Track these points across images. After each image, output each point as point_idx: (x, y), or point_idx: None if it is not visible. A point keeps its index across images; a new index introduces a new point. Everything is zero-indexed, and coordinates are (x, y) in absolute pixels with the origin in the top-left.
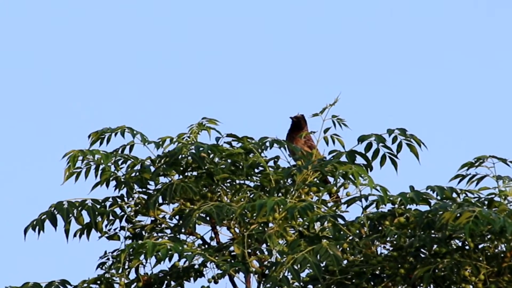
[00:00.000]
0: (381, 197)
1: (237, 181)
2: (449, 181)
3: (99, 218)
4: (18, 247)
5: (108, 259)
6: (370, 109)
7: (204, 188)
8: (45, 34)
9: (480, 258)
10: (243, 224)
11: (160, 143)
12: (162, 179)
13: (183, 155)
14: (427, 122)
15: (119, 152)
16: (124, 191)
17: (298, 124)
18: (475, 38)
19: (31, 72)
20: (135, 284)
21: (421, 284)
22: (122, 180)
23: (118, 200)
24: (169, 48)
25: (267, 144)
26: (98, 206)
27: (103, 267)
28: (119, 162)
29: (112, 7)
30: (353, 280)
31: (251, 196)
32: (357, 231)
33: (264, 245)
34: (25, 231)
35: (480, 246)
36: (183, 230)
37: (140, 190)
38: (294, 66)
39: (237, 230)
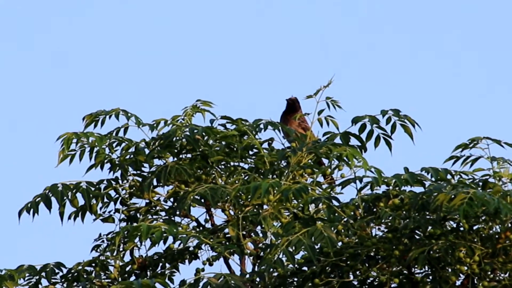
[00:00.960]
0: (376, 178)
1: (232, 163)
2: (443, 163)
3: (94, 201)
4: (12, 229)
5: (102, 241)
6: (364, 91)
7: (199, 170)
8: (41, 20)
9: (475, 240)
10: (238, 206)
11: (155, 125)
12: (157, 162)
13: (178, 137)
14: (421, 103)
15: (114, 134)
16: (118, 174)
17: (292, 106)
18: (468, 20)
19: (25, 55)
20: (130, 266)
21: (416, 266)
22: (117, 162)
23: (113, 182)
24: (163, 31)
25: (261, 126)
26: (93, 189)
27: (98, 250)
28: (114, 145)
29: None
30: (348, 262)
31: (245, 178)
32: (352, 213)
33: (259, 227)
34: (20, 213)
35: (474, 228)
36: (177, 213)
37: (135, 172)
38: (288, 48)
39: (232, 212)
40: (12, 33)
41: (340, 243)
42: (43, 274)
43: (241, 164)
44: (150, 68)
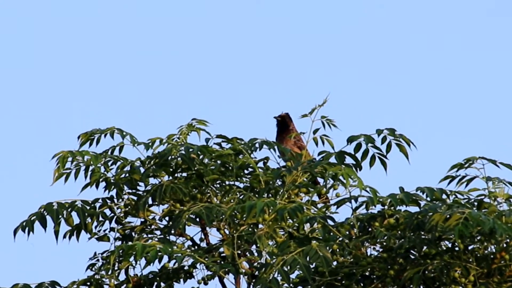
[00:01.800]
0: (371, 198)
1: (227, 182)
2: (438, 182)
3: (89, 219)
4: (7, 248)
5: (97, 260)
6: (359, 110)
7: (194, 189)
8: (33, 37)
9: (470, 260)
10: (233, 225)
11: (150, 144)
12: (152, 180)
13: (173, 156)
14: (416, 123)
15: (109, 153)
16: (114, 192)
17: (283, 123)
18: (462, 37)
19: (19, 74)
20: (125, 285)
21: (411, 286)
22: (112, 181)
23: (108, 201)
24: (158, 50)
25: (257, 145)
26: (88, 207)
27: (93, 269)
28: (109, 163)
29: (100, 10)
30: (343, 282)
31: (240, 197)
32: (347, 232)
33: (254, 246)
34: (15, 232)
35: (470, 248)
36: (172, 232)
37: (130, 191)
38: (284, 67)
39: (227, 231)
40: (9, 54)
41: (335, 263)
42: None
43: (236, 183)
44: (146, 87)
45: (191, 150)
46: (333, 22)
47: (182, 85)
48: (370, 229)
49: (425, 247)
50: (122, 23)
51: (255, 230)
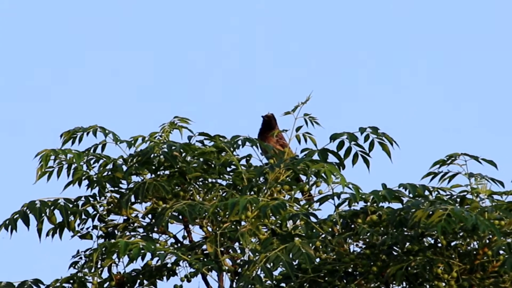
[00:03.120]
0: (354, 195)
1: (210, 180)
2: (421, 179)
3: (72, 217)
4: None
5: (80, 258)
6: (342, 108)
7: (177, 187)
8: (22, 32)
9: (453, 256)
10: (216, 222)
11: (132, 142)
12: (135, 178)
13: (155, 154)
14: (398, 120)
15: (91, 151)
16: (96, 190)
17: (269, 123)
18: (444, 31)
19: (3, 69)
20: (108, 283)
21: (394, 282)
22: (95, 179)
23: (91, 199)
24: (141, 47)
25: (239, 142)
26: (71, 205)
27: (76, 266)
28: (91, 161)
29: (87, 6)
30: (326, 278)
31: (223, 194)
32: (330, 229)
33: (237, 244)
34: None
35: (452, 244)
36: (155, 229)
37: (113, 189)
38: (266, 64)
39: (210, 229)
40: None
41: (318, 259)
42: None
43: (219, 181)
44: (127, 85)
45: (173, 148)
46: (316, 18)
47: (164, 83)
48: (353, 226)
49: (408, 244)
50: (108, 19)
51: (238, 227)
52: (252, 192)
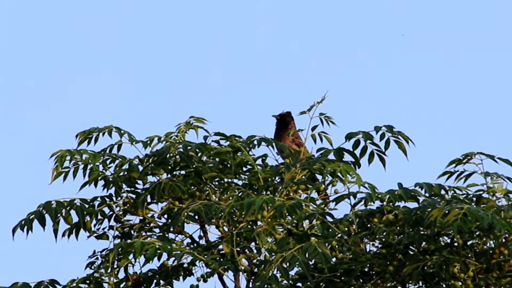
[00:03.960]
0: (370, 194)
1: (226, 180)
2: (437, 178)
3: (88, 218)
4: (6, 247)
5: (97, 258)
6: (358, 107)
7: (193, 187)
8: (30, 33)
9: (469, 255)
10: (232, 222)
11: (148, 142)
12: (151, 178)
13: (171, 154)
14: (415, 119)
15: (107, 151)
16: (112, 191)
17: (283, 121)
18: (462, 32)
19: (15, 69)
20: (124, 283)
21: (410, 281)
22: (111, 179)
23: (107, 199)
24: (156, 48)
25: (255, 142)
26: (87, 206)
27: (92, 267)
28: (107, 162)
29: (98, 6)
30: (342, 278)
31: (239, 194)
32: (346, 229)
33: (253, 244)
34: (14, 231)
35: (468, 243)
36: (171, 229)
37: (129, 189)
38: (282, 64)
39: (226, 229)
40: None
41: (334, 259)
42: None
43: (235, 181)
44: (143, 85)
45: (189, 148)
46: (331, 17)
47: (180, 83)
48: (369, 225)
49: (424, 243)
50: (118, 20)
51: (254, 227)
52: (268, 192)
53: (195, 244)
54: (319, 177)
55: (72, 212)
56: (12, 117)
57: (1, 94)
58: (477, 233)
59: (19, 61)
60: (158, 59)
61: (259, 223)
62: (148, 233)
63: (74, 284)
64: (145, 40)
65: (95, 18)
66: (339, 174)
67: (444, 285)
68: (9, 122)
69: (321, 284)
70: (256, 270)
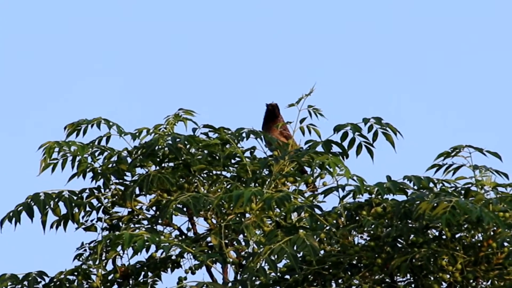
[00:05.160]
0: (358, 187)
1: (214, 172)
2: (425, 171)
3: (76, 210)
4: None
5: (85, 250)
6: (346, 99)
7: (181, 179)
8: (25, 24)
9: (457, 248)
10: (220, 214)
11: (137, 134)
12: (139, 170)
13: (160, 146)
14: (403, 111)
15: (96, 143)
16: (101, 183)
17: (272, 112)
18: (451, 22)
19: (6, 63)
20: (112, 275)
21: (398, 274)
22: (99, 171)
23: (95, 191)
24: (145, 40)
25: (244, 134)
26: (75, 198)
27: (80, 259)
28: (96, 154)
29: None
30: (331, 270)
31: (228, 186)
32: (334, 221)
33: (241, 236)
34: (2, 222)
35: (457, 236)
36: (160, 221)
37: (117, 181)
38: (270, 56)
39: (214, 221)
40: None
41: (322, 252)
42: (25, 283)
43: (224, 173)
44: (131, 77)
45: (178, 140)
46: (319, 11)
47: (169, 75)
48: (357, 218)
49: (412, 236)
50: (110, 13)
51: (243, 219)
52: (256, 184)
53: (183, 236)
54: (308, 169)
55: (61, 204)
56: (13, 117)
57: (2, 94)
58: (465, 226)
59: (19, 61)
60: (146, 51)
61: (247, 215)
62: (137, 225)
63: (62, 276)
64: (134, 30)
65: (84, 7)
66: (327, 166)
67: (432, 278)
68: (10, 121)
69: (309, 276)
70: (244, 262)
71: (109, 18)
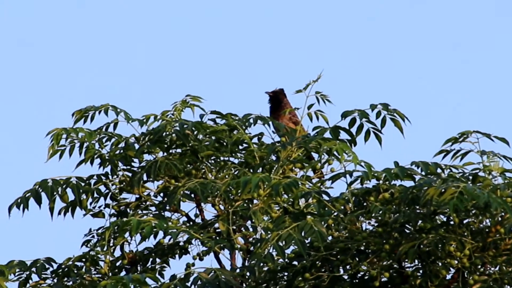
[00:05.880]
0: (366, 173)
1: (222, 158)
2: (433, 157)
3: (84, 196)
4: (2, 225)
5: (93, 236)
6: (354, 85)
7: (189, 165)
8: (34, 11)
9: (465, 234)
10: (228, 201)
11: (144, 120)
12: (147, 157)
13: (167, 133)
14: (410, 97)
15: (103, 130)
16: (108, 169)
17: (276, 99)
18: (457, 11)
19: (14, 52)
20: (120, 261)
21: (406, 260)
22: (107, 157)
23: (103, 177)
24: (152, 27)
25: (251, 120)
26: (83, 184)
27: (88, 245)
28: (103, 140)
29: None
30: (338, 256)
31: (235, 173)
32: (342, 207)
33: (249, 222)
34: (10, 209)
35: (464, 221)
36: (167, 208)
37: (125, 167)
38: (279, 42)
39: (222, 207)
40: (10, 30)
41: (330, 238)
42: (34, 269)
43: (231, 159)
44: (139, 63)
45: (185, 126)
46: None
47: (176, 61)
48: (365, 204)
49: (420, 222)
50: (119, 3)
51: (250, 205)
52: (264, 170)
53: (191, 223)
54: (315, 155)
55: (68, 190)
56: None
57: (4, 89)
58: (473, 212)
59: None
60: (153, 37)
61: (255, 201)
62: (144, 211)
63: (70, 262)
64: (139, 16)
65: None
66: (335, 152)
67: (440, 264)
68: (7, 99)
69: (317, 262)
70: (252, 248)
71: (119, 2)
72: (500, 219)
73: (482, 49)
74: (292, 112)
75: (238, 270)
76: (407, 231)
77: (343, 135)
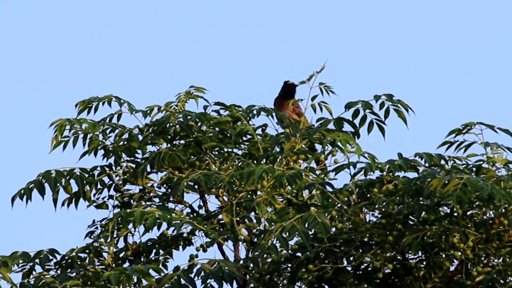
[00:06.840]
0: (369, 164)
1: (225, 149)
2: (437, 148)
3: (87, 187)
4: (5, 216)
5: (96, 228)
6: (358, 76)
7: (192, 157)
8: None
9: (469, 225)
10: (232, 192)
11: (148, 111)
12: (150, 148)
13: (171, 124)
14: (414, 87)
15: (107, 121)
16: (112, 160)
17: (289, 92)
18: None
19: (15, 39)
20: (123, 253)
21: (410, 251)
22: (110, 149)
23: (106, 169)
24: (156, 17)
25: (255, 112)
26: (86, 175)
27: (92, 236)
28: (107, 131)
29: None
30: (342, 248)
31: (239, 164)
32: (346, 199)
33: (253, 213)
34: (13, 200)
35: (468, 213)
36: (171, 199)
37: (128, 159)
38: (282, 33)
39: (226, 198)
40: (11, 20)
41: (334, 229)
42: (37, 260)
43: (235, 150)
44: (142, 54)
45: (189, 117)
46: None
47: (180, 52)
48: (368, 195)
49: (423, 213)
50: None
51: (254, 197)
52: (267, 162)
53: (194, 214)
54: (319, 147)
55: (72, 182)
56: (14, 85)
57: (6, 80)
58: (476, 203)
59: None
60: (156, 28)
61: (258, 192)
62: (148, 203)
63: (74, 254)
64: (142, 7)
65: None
66: (338, 143)
67: (443, 255)
68: (11, 90)
69: (321, 254)
70: (255, 239)
71: None
72: (503, 210)
73: (488, 38)
74: (296, 103)
75: (241, 262)
76: (411, 222)
77: (347, 127)
